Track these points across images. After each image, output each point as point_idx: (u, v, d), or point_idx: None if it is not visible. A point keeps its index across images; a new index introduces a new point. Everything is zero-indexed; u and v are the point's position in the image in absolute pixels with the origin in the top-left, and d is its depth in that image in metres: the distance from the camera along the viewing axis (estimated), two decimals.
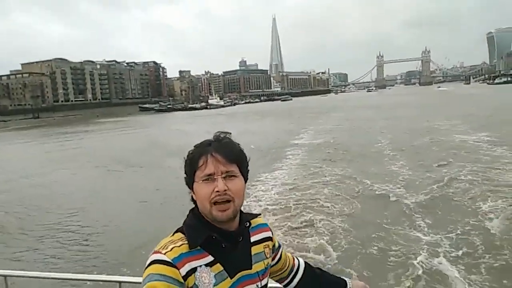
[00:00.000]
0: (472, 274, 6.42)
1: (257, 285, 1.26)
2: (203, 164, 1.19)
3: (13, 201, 13.57)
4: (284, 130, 32.62)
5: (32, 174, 18.62)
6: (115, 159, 21.72)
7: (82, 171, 18.97)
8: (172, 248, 1.13)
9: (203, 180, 1.18)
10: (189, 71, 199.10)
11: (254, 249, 1.29)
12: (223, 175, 1.18)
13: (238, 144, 1.28)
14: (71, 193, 14.28)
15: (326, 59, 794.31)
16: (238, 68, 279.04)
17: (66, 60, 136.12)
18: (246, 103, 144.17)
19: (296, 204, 11.01)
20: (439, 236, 7.99)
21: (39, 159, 24.31)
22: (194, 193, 1.23)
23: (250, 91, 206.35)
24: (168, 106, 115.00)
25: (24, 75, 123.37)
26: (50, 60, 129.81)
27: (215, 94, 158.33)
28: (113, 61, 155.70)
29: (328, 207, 10.55)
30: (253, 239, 1.31)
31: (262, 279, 1.28)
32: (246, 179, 1.27)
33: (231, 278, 1.18)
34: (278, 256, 1.47)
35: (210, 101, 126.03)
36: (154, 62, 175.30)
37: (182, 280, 1.09)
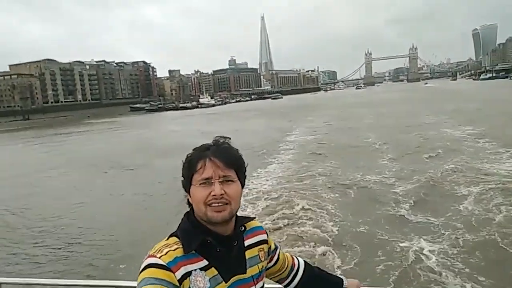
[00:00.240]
0: (454, 256, 7.20)
1: None
2: (201, 168, 1.20)
3: (3, 202, 13.43)
4: (276, 128, 33.19)
5: (24, 176, 18.56)
6: (108, 161, 21.40)
7: (74, 173, 18.63)
8: (167, 252, 1.13)
9: (200, 184, 1.19)
10: (178, 71, 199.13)
11: (249, 253, 1.30)
12: (220, 180, 1.19)
13: (237, 149, 1.29)
14: (62, 197, 14.07)
15: (316, 57, 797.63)
16: (227, 66, 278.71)
17: (55, 61, 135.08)
18: (237, 101, 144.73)
19: (288, 195, 11.67)
20: (425, 219, 8.82)
21: (31, 161, 24.25)
22: (190, 196, 1.23)
23: (240, 90, 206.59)
24: (159, 105, 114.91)
25: (12, 76, 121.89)
26: (39, 61, 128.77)
27: (206, 93, 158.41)
28: (102, 61, 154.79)
29: (321, 197, 11.25)
30: (247, 242, 1.31)
31: (257, 283, 1.29)
32: (243, 185, 1.28)
33: (225, 282, 1.19)
34: (276, 257, 1.48)
35: (201, 100, 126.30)
36: (144, 62, 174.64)
37: (177, 284, 1.09)
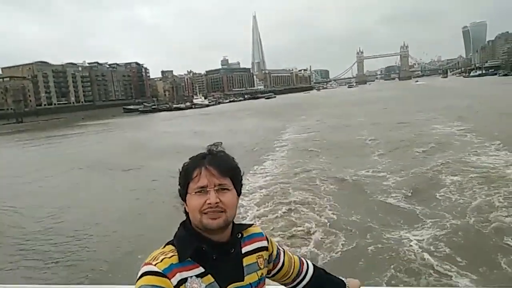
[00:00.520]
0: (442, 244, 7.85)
1: None
2: (196, 176, 1.21)
3: None
4: (270, 127, 33.50)
5: (21, 177, 18.53)
6: (101, 163, 20.94)
7: (69, 175, 18.44)
8: (163, 259, 1.14)
9: (196, 192, 1.20)
10: (171, 71, 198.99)
11: (246, 260, 1.29)
12: (216, 188, 1.19)
13: (233, 158, 1.30)
14: (54, 199, 13.93)
15: (308, 56, 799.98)
16: (220, 66, 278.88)
17: (47, 63, 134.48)
18: (230, 101, 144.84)
19: (283, 188, 12.14)
20: (413, 207, 9.38)
21: (27, 163, 24.16)
22: (186, 205, 1.24)
23: (233, 89, 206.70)
24: (153, 106, 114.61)
25: (5, 79, 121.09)
26: (31, 64, 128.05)
27: (199, 94, 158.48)
28: (95, 62, 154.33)
29: (314, 189, 11.75)
30: (245, 249, 1.30)
31: None
32: (239, 193, 1.28)
33: None
34: (280, 265, 1.46)
35: (195, 101, 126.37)
36: (137, 63, 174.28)
37: None
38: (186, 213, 1.26)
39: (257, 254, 1.33)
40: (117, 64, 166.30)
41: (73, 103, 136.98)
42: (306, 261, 1.56)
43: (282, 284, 1.54)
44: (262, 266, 1.33)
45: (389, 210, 9.53)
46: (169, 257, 1.15)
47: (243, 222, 8.53)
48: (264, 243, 1.37)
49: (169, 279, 1.10)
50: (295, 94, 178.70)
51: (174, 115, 77.58)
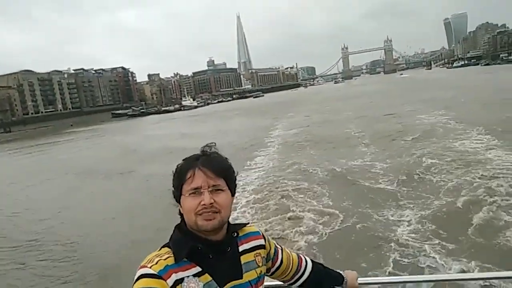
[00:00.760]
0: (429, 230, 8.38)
1: None
2: (190, 178, 1.20)
3: None
4: (259, 125, 33.88)
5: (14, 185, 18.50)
6: (91, 169, 20.36)
7: (60, 181, 18.34)
8: (158, 261, 1.14)
9: (190, 194, 1.19)
10: (158, 74, 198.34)
11: (244, 258, 1.29)
12: (210, 189, 1.19)
13: (226, 158, 1.30)
14: (47, 207, 13.63)
15: (294, 54, 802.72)
16: (206, 68, 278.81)
17: (32, 71, 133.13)
18: (219, 102, 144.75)
19: (275, 181, 12.54)
20: (400, 189, 9.91)
21: (17, 172, 23.88)
22: (181, 206, 1.24)
23: (221, 90, 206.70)
24: (141, 110, 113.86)
25: None
26: (16, 73, 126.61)
27: (188, 96, 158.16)
28: (80, 69, 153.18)
29: (306, 180, 12.16)
30: (242, 248, 1.31)
31: None
32: (233, 194, 1.28)
33: None
34: (278, 262, 1.48)
35: (184, 103, 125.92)
36: (122, 68, 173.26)
37: None
38: (181, 215, 1.26)
39: (254, 252, 1.33)
40: (103, 70, 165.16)
41: (61, 110, 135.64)
42: (305, 257, 1.59)
43: (281, 281, 1.58)
44: (260, 264, 1.33)
45: (378, 194, 9.99)
46: (164, 259, 1.15)
47: (237, 216, 9.05)
48: (261, 241, 1.38)
49: (165, 281, 1.10)
50: (282, 92, 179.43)
51: (162, 118, 77.24)
